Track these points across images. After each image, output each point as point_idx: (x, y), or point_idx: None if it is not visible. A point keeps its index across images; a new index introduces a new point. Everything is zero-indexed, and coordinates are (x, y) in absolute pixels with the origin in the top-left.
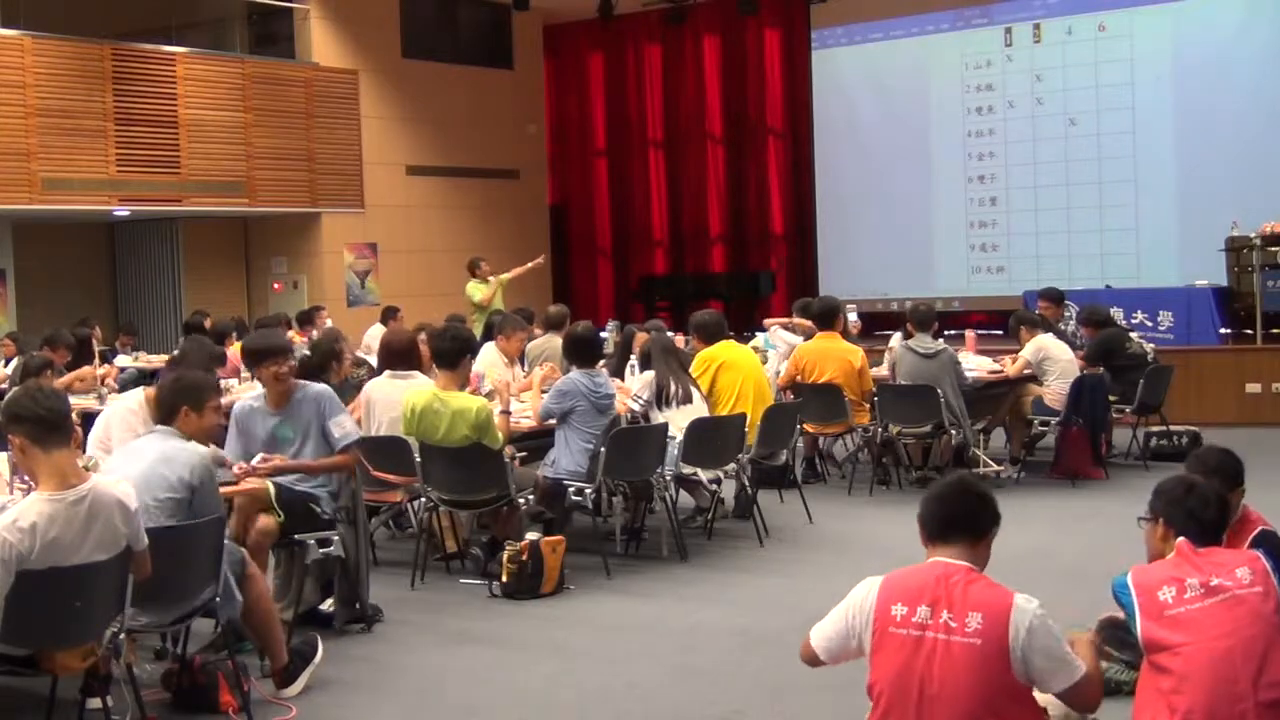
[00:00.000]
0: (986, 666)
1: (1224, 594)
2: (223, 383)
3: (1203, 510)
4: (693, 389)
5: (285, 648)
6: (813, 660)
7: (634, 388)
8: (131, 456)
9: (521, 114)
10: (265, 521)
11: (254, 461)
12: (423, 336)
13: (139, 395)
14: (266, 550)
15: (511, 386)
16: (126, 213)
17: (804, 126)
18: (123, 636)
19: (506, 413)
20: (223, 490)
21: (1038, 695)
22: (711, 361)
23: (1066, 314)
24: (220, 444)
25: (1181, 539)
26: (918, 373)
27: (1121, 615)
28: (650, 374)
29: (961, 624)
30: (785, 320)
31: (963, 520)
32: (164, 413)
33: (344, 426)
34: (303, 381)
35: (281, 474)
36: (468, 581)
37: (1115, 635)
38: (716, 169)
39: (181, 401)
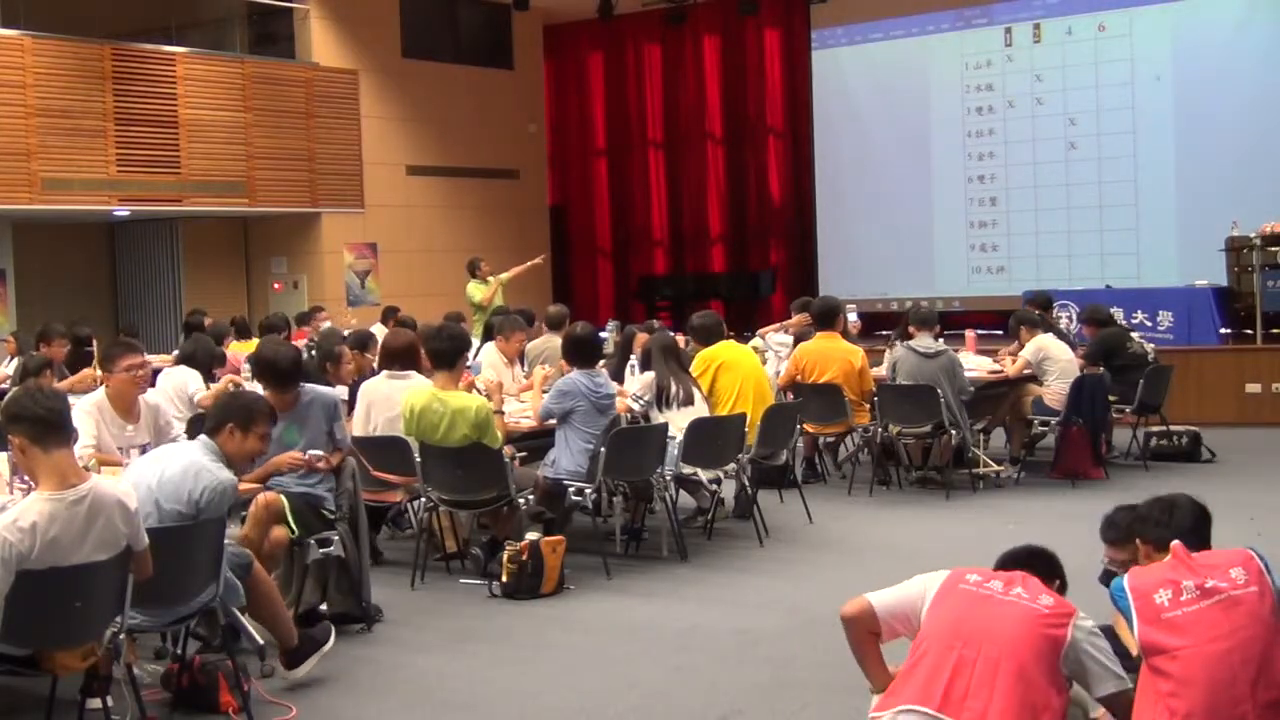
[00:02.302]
0: (1043, 632)
1: (1219, 595)
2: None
3: (1169, 517)
4: (694, 390)
5: (294, 631)
6: (863, 614)
7: (634, 388)
8: (167, 458)
9: (521, 114)
10: (281, 533)
11: (310, 453)
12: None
13: (97, 397)
14: (279, 560)
15: (511, 386)
16: (126, 213)
17: (804, 126)
18: (123, 636)
19: (499, 413)
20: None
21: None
22: (711, 362)
23: (1063, 316)
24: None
25: (1176, 542)
26: (918, 373)
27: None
28: (650, 374)
29: (1034, 597)
30: (776, 326)
31: (1027, 560)
32: (211, 424)
33: (343, 430)
34: (309, 385)
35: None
36: (468, 581)
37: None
38: (716, 169)
39: (230, 418)
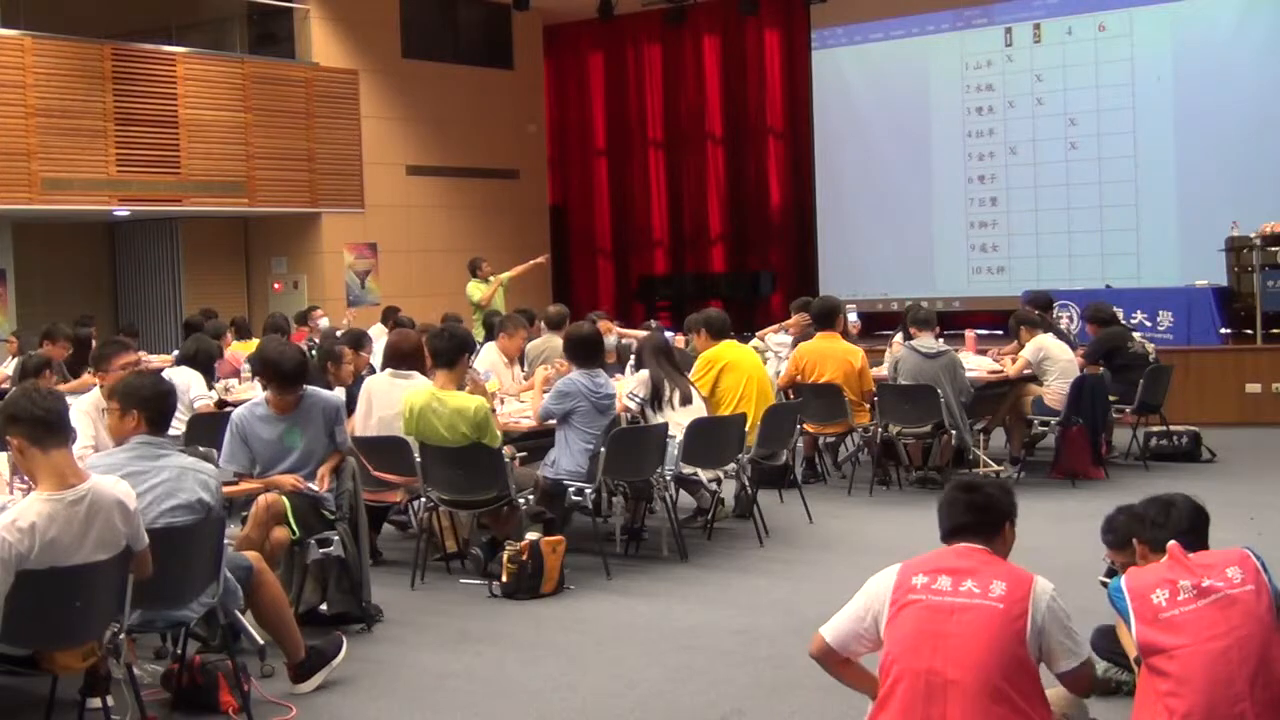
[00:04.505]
0: (1005, 631)
1: (1216, 594)
2: (222, 382)
3: (1165, 518)
4: (691, 389)
5: (302, 644)
6: (823, 653)
7: (629, 386)
8: (147, 476)
9: (521, 114)
10: (281, 534)
11: (312, 485)
12: (425, 335)
13: (94, 397)
14: (279, 561)
15: (511, 386)
16: (126, 213)
17: (804, 126)
18: (123, 636)
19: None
20: (225, 490)
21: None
22: (714, 363)
23: (1063, 316)
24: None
25: (1173, 543)
26: (919, 373)
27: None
28: (645, 372)
29: (985, 589)
30: (775, 327)
31: (969, 525)
32: (165, 422)
33: (344, 434)
34: (310, 387)
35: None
36: (468, 581)
37: (1103, 645)
38: (716, 169)
39: (174, 409)
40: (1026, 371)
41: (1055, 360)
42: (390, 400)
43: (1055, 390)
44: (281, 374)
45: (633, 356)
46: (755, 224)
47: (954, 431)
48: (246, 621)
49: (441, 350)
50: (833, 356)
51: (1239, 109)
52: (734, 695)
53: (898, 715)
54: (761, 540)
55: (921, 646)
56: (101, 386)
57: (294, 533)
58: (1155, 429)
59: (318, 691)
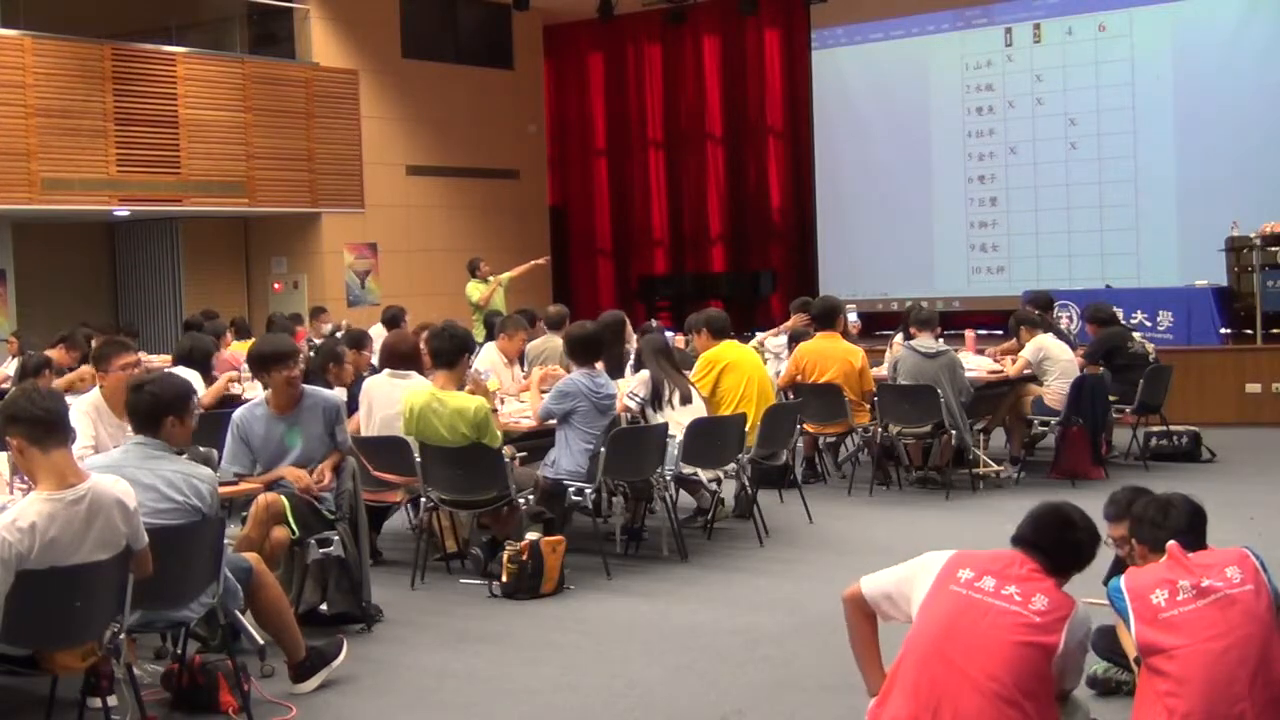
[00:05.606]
0: (1034, 644)
1: (1215, 594)
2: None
3: (1164, 518)
4: (691, 389)
5: (302, 644)
6: (854, 598)
7: (629, 386)
8: (140, 476)
9: (521, 114)
10: (281, 534)
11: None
12: (425, 335)
13: (93, 397)
14: (278, 561)
15: (511, 386)
16: (126, 213)
17: (804, 126)
18: (123, 636)
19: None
20: (222, 491)
21: None
22: (715, 364)
23: (1063, 316)
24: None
25: (1173, 543)
26: (919, 373)
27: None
28: (646, 372)
29: (1026, 600)
30: (773, 331)
31: (1045, 551)
32: (149, 423)
33: (344, 433)
34: (310, 386)
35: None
36: (468, 581)
37: (1103, 645)
38: (716, 169)
39: (168, 412)
40: (1026, 371)
41: (1055, 360)
42: (390, 400)
43: (1055, 390)
44: (258, 356)
45: (632, 357)
46: (755, 224)
47: (954, 431)
48: (246, 621)
49: (441, 350)
50: (833, 356)
51: (1239, 109)
52: (734, 695)
53: (909, 695)
54: (761, 540)
55: (948, 637)
56: (101, 387)
57: (294, 532)
58: (1155, 429)
59: (318, 691)
